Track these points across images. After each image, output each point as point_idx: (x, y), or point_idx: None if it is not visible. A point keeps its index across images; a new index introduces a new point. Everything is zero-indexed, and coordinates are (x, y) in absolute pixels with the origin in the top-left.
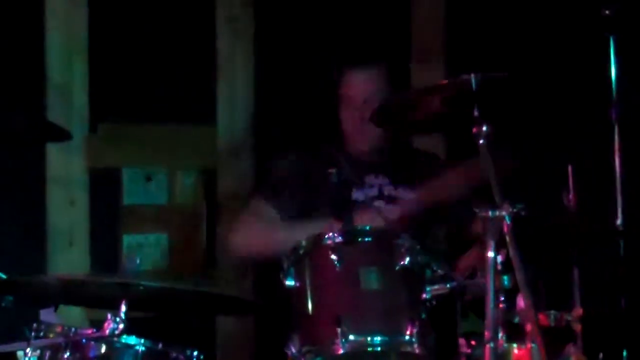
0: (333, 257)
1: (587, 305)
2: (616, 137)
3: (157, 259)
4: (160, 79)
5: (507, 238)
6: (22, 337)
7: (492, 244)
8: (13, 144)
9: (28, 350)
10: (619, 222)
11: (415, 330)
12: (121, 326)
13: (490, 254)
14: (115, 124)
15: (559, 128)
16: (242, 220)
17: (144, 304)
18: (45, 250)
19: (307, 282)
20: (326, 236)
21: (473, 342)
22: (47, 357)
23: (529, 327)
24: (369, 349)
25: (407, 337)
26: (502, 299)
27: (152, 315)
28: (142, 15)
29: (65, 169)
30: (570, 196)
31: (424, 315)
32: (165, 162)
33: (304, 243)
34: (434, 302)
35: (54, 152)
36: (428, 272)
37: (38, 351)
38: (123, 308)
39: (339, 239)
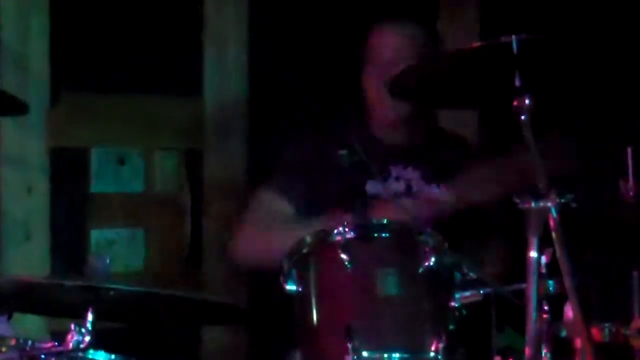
0: (343, 256)
1: None
2: None
3: (132, 258)
4: (137, 42)
5: (554, 235)
6: None
7: (534, 241)
8: None
9: None
10: None
11: (441, 345)
12: (87, 339)
13: (533, 254)
14: (82, 95)
15: (617, 103)
16: (250, 220)
17: (114, 312)
18: None
19: (312, 286)
20: (335, 231)
21: None
22: None
23: (578, 342)
24: None
25: (431, 354)
26: (547, 308)
27: (124, 325)
28: None
29: (22, 148)
30: (629, 184)
31: (452, 327)
32: (141, 142)
33: (308, 240)
34: (464, 312)
35: (7, 129)
36: (457, 276)
37: None
38: (90, 317)
39: (350, 235)
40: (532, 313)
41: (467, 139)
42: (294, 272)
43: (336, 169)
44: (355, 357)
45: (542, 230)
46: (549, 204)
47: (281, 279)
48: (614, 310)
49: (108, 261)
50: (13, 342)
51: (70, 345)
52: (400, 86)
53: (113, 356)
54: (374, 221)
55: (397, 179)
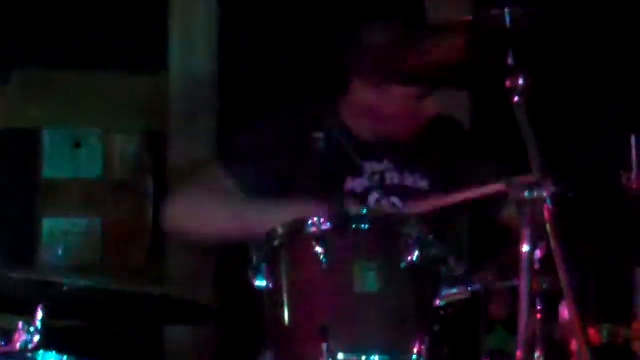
0: (318, 249)
1: None
2: None
3: (88, 250)
4: (94, 14)
5: (549, 227)
6: None
7: (528, 234)
8: None
9: None
10: None
11: (424, 347)
12: (37, 338)
13: (526, 248)
14: (35, 71)
15: (618, 85)
16: (189, 187)
17: (67, 309)
18: None
19: (284, 282)
20: (309, 221)
21: None
22: None
23: (574, 344)
24: None
25: (414, 356)
26: (540, 307)
27: (78, 324)
28: None
29: None
30: (632, 174)
31: (436, 328)
32: (99, 123)
33: (279, 231)
34: (451, 311)
35: None
36: (443, 271)
37: None
38: (40, 314)
39: (326, 226)
40: (524, 312)
41: (456, 121)
42: (263, 266)
43: (309, 150)
44: (330, 359)
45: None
46: (545, 194)
47: (250, 273)
48: (614, 310)
49: (60, 253)
50: None
51: (18, 345)
52: (381, 66)
53: (65, 358)
54: (353, 211)
55: (372, 174)
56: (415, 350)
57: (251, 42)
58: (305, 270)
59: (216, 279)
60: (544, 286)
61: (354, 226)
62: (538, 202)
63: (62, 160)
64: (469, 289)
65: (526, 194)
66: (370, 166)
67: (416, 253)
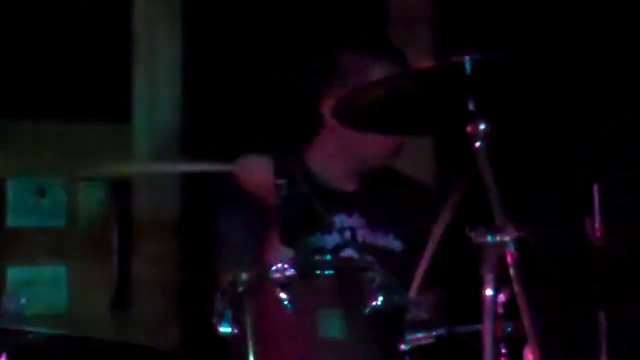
0: (282, 295)
1: None
2: None
3: (53, 299)
4: (59, 63)
5: (512, 271)
6: None
7: (491, 278)
8: None
9: None
10: None
11: None
12: None
13: (489, 292)
14: None
15: (582, 131)
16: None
17: (31, 358)
18: None
19: (249, 329)
20: (273, 268)
21: None
22: None
23: None
24: None
25: None
26: (504, 351)
27: None
28: None
29: None
30: (596, 223)
31: None
32: (63, 171)
33: (244, 277)
34: (416, 356)
35: None
36: (407, 316)
37: None
38: None
39: (290, 272)
40: (488, 357)
41: (420, 180)
42: (228, 313)
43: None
44: None
45: (499, 267)
46: (507, 239)
47: (214, 320)
48: (579, 354)
49: (23, 301)
50: None
51: None
52: (345, 111)
53: None
54: (316, 258)
55: (342, 230)
56: None
57: (215, 91)
58: (269, 316)
59: (183, 327)
60: (508, 330)
61: (317, 272)
62: (500, 247)
63: (26, 209)
64: (434, 333)
65: (488, 238)
66: (339, 220)
67: (380, 299)
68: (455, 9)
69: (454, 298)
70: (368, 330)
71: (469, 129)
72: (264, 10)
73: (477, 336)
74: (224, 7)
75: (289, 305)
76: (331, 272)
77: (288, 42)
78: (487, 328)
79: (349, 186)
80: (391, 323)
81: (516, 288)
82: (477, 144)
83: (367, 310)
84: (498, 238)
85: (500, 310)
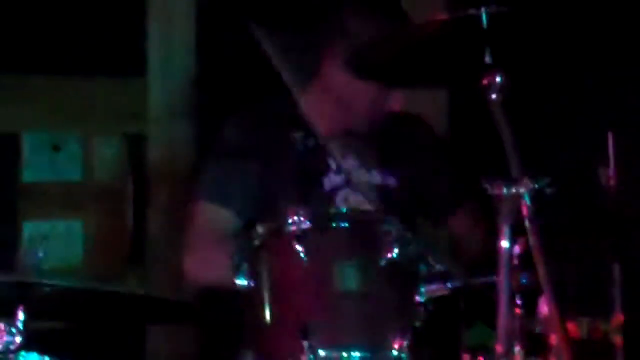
0: (298, 248)
1: (630, 311)
2: None
3: (69, 252)
4: (72, 16)
5: (527, 223)
6: None
7: (506, 230)
8: None
9: None
10: None
11: (405, 343)
12: (18, 339)
13: (505, 244)
14: (12, 74)
15: (596, 81)
16: (195, 242)
17: (48, 310)
18: None
19: (264, 281)
20: (289, 221)
21: (481, 358)
22: None
23: (553, 338)
24: None
25: (394, 352)
26: (520, 302)
27: (60, 325)
28: None
29: None
30: (609, 171)
31: (417, 324)
32: (78, 126)
33: (260, 230)
34: (431, 307)
35: None
36: (423, 268)
37: None
38: (21, 316)
39: (305, 225)
40: (503, 307)
41: (421, 118)
42: (244, 265)
43: (288, 152)
44: (311, 356)
45: (515, 218)
46: (522, 190)
47: (231, 273)
48: (592, 305)
49: (41, 255)
50: None
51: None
52: (361, 64)
53: (47, 359)
54: (332, 210)
55: (337, 171)
56: (396, 346)
57: (230, 41)
58: (285, 269)
59: None
60: (523, 281)
61: (333, 225)
62: (516, 199)
63: (41, 163)
64: (449, 285)
65: (504, 190)
66: (335, 162)
67: (395, 251)
68: None
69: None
70: (384, 282)
71: (484, 81)
72: None
73: (493, 287)
74: None
75: (304, 258)
76: (346, 224)
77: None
78: (502, 279)
79: (341, 132)
80: (407, 275)
81: (531, 240)
82: (493, 96)
83: (382, 262)
84: (514, 190)
85: (515, 261)
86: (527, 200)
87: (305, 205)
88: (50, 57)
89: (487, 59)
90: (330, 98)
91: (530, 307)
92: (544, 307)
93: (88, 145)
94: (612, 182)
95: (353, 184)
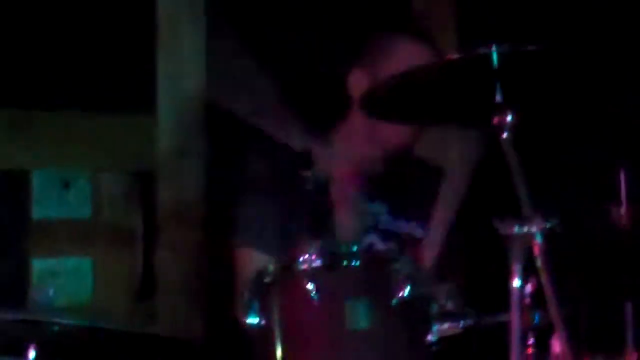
0: (309, 286)
1: None
2: None
3: (78, 291)
4: (83, 54)
5: (539, 262)
6: None
7: (518, 269)
8: None
9: None
10: None
11: None
12: None
13: (516, 283)
14: (23, 111)
15: (608, 120)
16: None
17: (59, 348)
18: None
19: (275, 319)
20: (300, 259)
21: None
22: None
23: None
24: None
25: None
26: (532, 341)
27: None
28: None
29: None
30: (621, 209)
31: None
32: (88, 163)
33: (271, 268)
34: (442, 346)
35: None
36: (434, 307)
37: None
38: (32, 354)
39: (317, 263)
40: (516, 347)
41: (435, 161)
42: (255, 303)
43: (300, 190)
44: None
45: (526, 258)
46: (534, 229)
47: (241, 311)
48: (605, 343)
49: (51, 293)
50: None
51: None
52: (373, 103)
53: None
54: (343, 248)
55: (363, 214)
56: None
57: (239, 83)
58: (296, 307)
59: (208, 317)
60: (535, 320)
61: (344, 263)
62: (527, 238)
63: (51, 201)
64: (461, 324)
65: (515, 229)
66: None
67: (407, 289)
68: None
69: (479, 286)
70: (395, 321)
71: (495, 120)
72: None
73: (505, 327)
74: None
75: (315, 296)
76: (358, 263)
77: (316, 27)
78: (514, 318)
79: (372, 172)
80: (418, 314)
81: (543, 278)
82: (504, 135)
83: (394, 301)
84: (525, 229)
85: (527, 300)
86: (538, 239)
87: (316, 243)
88: (60, 94)
89: (498, 98)
90: (365, 135)
91: (543, 346)
92: (556, 346)
93: (97, 182)
94: (624, 220)
95: (379, 230)
